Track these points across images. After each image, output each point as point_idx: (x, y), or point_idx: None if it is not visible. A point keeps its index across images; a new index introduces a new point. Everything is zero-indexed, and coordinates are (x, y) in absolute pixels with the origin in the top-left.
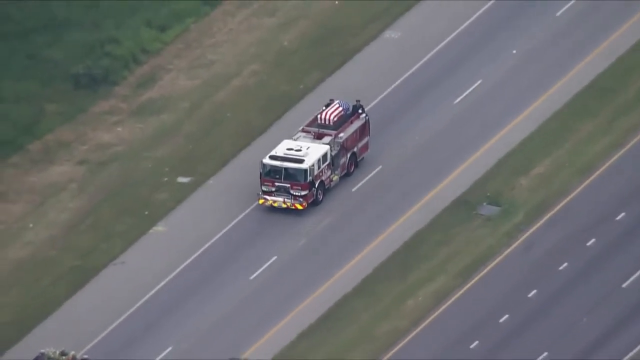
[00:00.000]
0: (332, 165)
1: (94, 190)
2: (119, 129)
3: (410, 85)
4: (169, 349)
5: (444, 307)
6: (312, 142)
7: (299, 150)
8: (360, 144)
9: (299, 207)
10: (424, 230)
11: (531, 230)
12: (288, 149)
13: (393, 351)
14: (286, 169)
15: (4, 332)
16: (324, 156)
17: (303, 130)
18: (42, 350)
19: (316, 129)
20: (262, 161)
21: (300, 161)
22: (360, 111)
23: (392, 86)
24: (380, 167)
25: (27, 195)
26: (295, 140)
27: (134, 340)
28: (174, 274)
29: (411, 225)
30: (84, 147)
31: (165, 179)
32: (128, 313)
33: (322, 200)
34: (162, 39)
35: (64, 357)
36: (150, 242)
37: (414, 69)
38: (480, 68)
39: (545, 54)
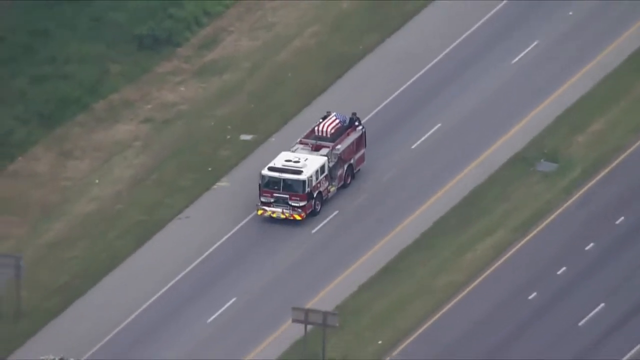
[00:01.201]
0: (330, 176)
1: (159, 148)
2: (182, 88)
3: (473, 43)
4: (233, 299)
5: (502, 260)
6: (309, 153)
7: (297, 161)
8: (357, 156)
9: (298, 217)
10: (482, 186)
11: (588, 186)
12: (286, 161)
13: (451, 304)
14: (285, 180)
15: (72, 284)
16: (322, 167)
17: (301, 142)
18: (42, 358)
19: (314, 141)
20: (261, 173)
21: (299, 172)
22: (356, 123)
23: (455, 43)
24: (440, 124)
25: (92, 153)
26: (293, 152)
27: (203, 286)
28: (237, 227)
29: (470, 181)
30: (148, 107)
31: (228, 136)
32: (195, 263)
33: (319, 211)
34: (223, 2)
35: None
36: (214, 197)
37: (472, 30)
38: (536, 30)
39: (600, 15)
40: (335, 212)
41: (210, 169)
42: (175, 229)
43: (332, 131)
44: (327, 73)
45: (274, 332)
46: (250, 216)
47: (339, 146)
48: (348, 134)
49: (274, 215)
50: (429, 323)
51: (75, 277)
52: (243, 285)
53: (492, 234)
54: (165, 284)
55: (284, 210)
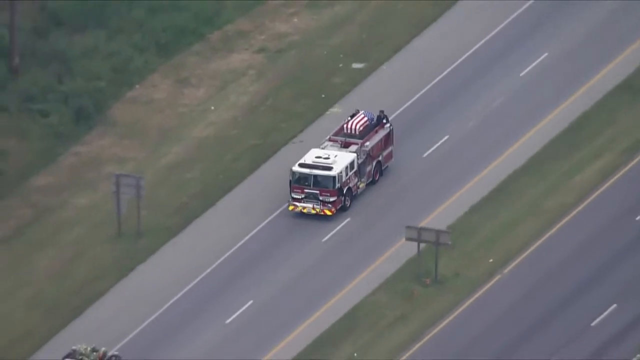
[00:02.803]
0: (359, 173)
1: (272, 76)
2: (294, 19)
3: None
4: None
5: (609, 182)
6: (339, 150)
7: (327, 158)
8: (385, 153)
9: (328, 213)
10: (589, 111)
11: None
12: (317, 157)
13: (560, 224)
14: (315, 176)
15: (190, 204)
16: (351, 164)
17: (330, 140)
18: (74, 347)
19: (343, 138)
20: (291, 169)
21: (329, 168)
22: (384, 121)
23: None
24: (546, 54)
25: (208, 81)
26: (323, 149)
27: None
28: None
29: (577, 107)
30: (262, 37)
31: (340, 64)
32: None
33: (349, 206)
34: None
35: (95, 354)
36: (327, 122)
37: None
38: None
39: None
40: (446, 137)
41: (323, 95)
42: (289, 152)
43: (361, 128)
44: (438, 4)
45: (395, 243)
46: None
47: (367, 143)
48: (376, 132)
49: (305, 211)
50: (539, 243)
51: (193, 197)
52: None
53: (600, 157)
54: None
55: (315, 206)
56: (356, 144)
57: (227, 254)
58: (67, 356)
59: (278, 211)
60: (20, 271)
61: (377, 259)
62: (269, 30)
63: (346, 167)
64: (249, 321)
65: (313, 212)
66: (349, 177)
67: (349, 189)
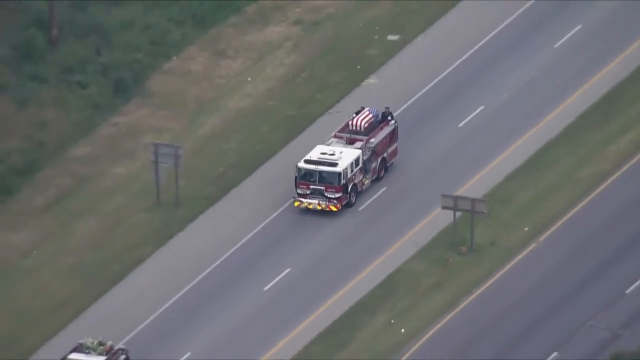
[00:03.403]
0: (364, 169)
1: (308, 48)
2: None
3: None
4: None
5: None
6: (344, 147)
7: (333, 154)
8: (390, 150)
9: (333, 208)
10: (623, 82)
11: None
12: (322, 153)
13: (594, 193)
14: (320, 172)
15: (228, 174)
16: (357, 160)
17: (335, 136)
18: (81, 341)
19: (348, 135)
20: (297, 165)
21: (334, 165)
22: (389, 118)
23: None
24: (580, 26)
25: (245, 53)
26: (328, 145)
27: None
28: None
29: (611, 78)
30: (298, 9)
31: (376, 37)
32: None
33: (354, 202)
34: None
35: (101, 347)
36: (363, 93)
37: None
38: None
39: None
40: (482, 107)
41: (358, 67)
42: (325, 122)
43: (366, 125)
44: None
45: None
46: (403, 108)
47: (372, 140)
48: (381, 128)
49: (310, 207)
50: (574, 211)
51: (230, 167)
52: None
53: (634, 128)
54: None
55: (320, 202)
56: (361, 140)
57: (264, 222)
58: (74, 350)
59: None
60: (61, 239)
61: (413, 228)
62: (305, 2)
63: (351, 164)
64: (286, 288)
65: (319, 208)
66: (354, 174)
67: (354, 185)
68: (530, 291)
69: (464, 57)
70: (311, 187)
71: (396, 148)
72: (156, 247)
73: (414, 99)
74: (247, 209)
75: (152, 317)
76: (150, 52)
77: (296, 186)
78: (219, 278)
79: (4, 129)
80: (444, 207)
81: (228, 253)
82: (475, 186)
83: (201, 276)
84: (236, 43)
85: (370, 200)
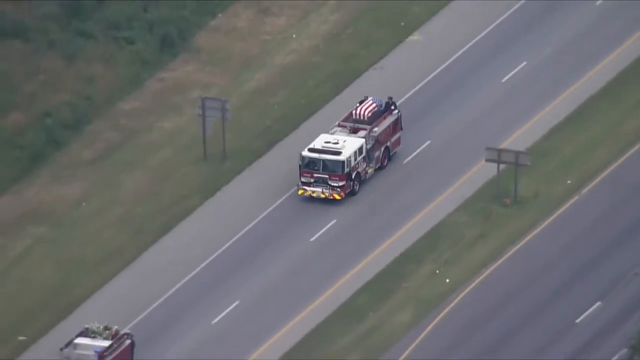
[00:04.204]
0: (367, 158)
1: (352, 5)
2: None
3: None
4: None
5: None
6: (348, 136)
7: (336, 143)
8: (393, 139)
9: (337, 197)
10: None
11: None
12: (326, 142)
13: (636, 147)
14: (324, 161)
15: (274, 128)
16: (360, 149)
17: (339, 125)
18: (87, 325)
19: (351, 124)
20: (301, 154)
21: (338, 153)
22: (392, 107)
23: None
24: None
25: (289, 10)
26: (332, 134)
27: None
28: (429, 77)
29: None
30: None
31: None
32: None
33: (358, 191)
34: None
35: (107, 332)
36: (406, 49)
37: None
38: None
39: None
40: (524, 63)
41: (402, 24)
42: (369, 78)
43: (369, 114)
44: None
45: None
46: (443, 66)
47: (376, 129)
48: (384, 118)
49: (314, 195)
50: (616, 164)
51: (276, 121)
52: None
53: None
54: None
55: (324, 190)
56: (365, 129)
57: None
58: (80, 334)
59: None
60: (109, 191)
61: (457, 181)
62: None
63: (355, 152)
64: (333, 239)
65: (322, 196)
66: (358, 162)
67: (358, 173)
68: (573, 242)
69: (506, 14)
70: (315, 175)
71: (399, 137)
72: (203, 199)
73: (457, 55)
74: (293, 162)
75: (203, 265)
76: (196, 9)
77: (300, 174)
78: (267, 228)
79: (53, 84)
80: (487, 160)
81: (275, 204)
82: (519, 139)
83: (250, 226)
84: (281, 0)
85: (414, 154)
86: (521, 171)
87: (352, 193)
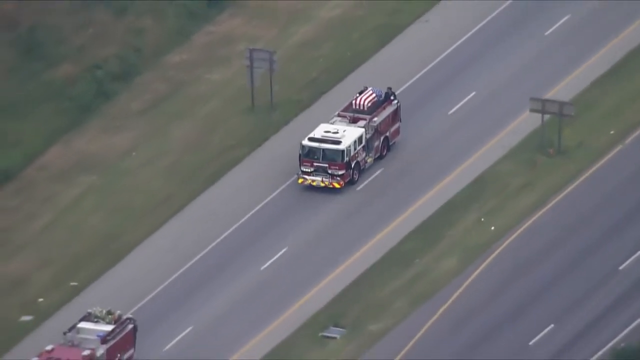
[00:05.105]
0: (367, 147)
1: None
2: None
3: None
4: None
5: None
6: (347, 125)
7: (336, 132)
8: (392, 129)
9: (337, 185)
10: None
11: None
12: (326, 132)
13: None
14: (324, 150)
15: (320, 79)
16: (360, 138)
17: (339, 115)
18: (89, 310)
19: (351, 114)
20: (301, 143)
21: (338, 142)
22: (392, 98)
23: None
24: None
25: None
26: (332, 124)
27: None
28: (474, 30)
29: None
30: None
31: None
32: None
33: (357, 180)
34: None
35: (110, 316)
36: (450, 3)
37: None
38: None
39: None
40: (567, 16)
41: None
42: (415, 31)
43: (369, 104)
44: None
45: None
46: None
47: (375, 119)
48: (384, 108)
49: (314, 184)
50: None
51: (322, 73)
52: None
53: None
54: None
55: (324, 179)
56: (364, 119)
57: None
58: (82, 319)
59: (399, 90)
60: (158, 142)
61: (502, 130)
62: None
63: (354, 142)
64: (379, 187)
65: (322, 185)
66: (357, 152)
67: (357, 163)
68: (617, 190)
69: None
70: (315, 164)
71: (399, 127)
72: (251, 148)
73: (500, 9)
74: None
75: (252, 212)
76: None
77: (300, 163)
78: None
79: (103, 36)
80: (532, 110)
81: None
82: (563, 90)
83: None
84: None
85: (460, 104)
86: (565, 121)
87: (352, 182)
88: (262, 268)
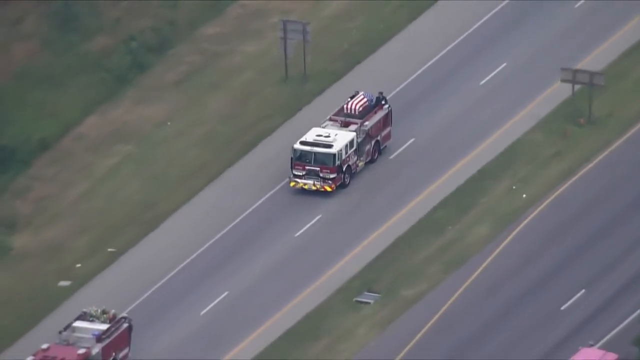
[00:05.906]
0: (358, 151)
1: None
2: None
3: None
4: None
5: None
6: (339, 129)
7: (328, 136)
8: (383, 133)
9: (328, 189)
10: None
11: None
12: (317, 135)
13: None
14: (316, 153)
15: (352, 51)
16: (351, 142)
17: (330, 119)
18: (85, 310)
19: (343, 118)
20: (293, 147)
21: (329, 146)
22: (383, 102)
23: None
24: None
25: None
26: (323, 127)
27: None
28: (505, 1)
29: None
30: None
31: None
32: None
33: (349, 183)
34: None
35: (105, 315)
36: None
37: None
38: None
39: None
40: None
41: None
42: (446, 7)
43: (360, 109)
44: None
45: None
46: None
47: (366, 123)
48: (375, 112)
49: (306, 187)
50: None
51: (355, 45)
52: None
53: None
54: (437, 54)
55: (315, 182)
56: (356, 123)
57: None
58: (78, 318)
59: (431, 62)
60: (193, 112)
61: (533, 101)
62: None
63: (346, 146)
64: (411, 156)
65: (314, 188)
66: (349, 155)
67: (349, 166)
68: None
69: None
70: (307, 168)
71: (390, 131)
72: (285, 118)
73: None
74: (372, 83)
75: (286, 180)
76: None
77: (292, 167)
78: None
79: (137, 9)
80: (563, 80)
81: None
82: (593, 61)
83: None
84: None
85: (492, 74)
86: (595, 92)
87: (343, 185)
88: (297, 235)
